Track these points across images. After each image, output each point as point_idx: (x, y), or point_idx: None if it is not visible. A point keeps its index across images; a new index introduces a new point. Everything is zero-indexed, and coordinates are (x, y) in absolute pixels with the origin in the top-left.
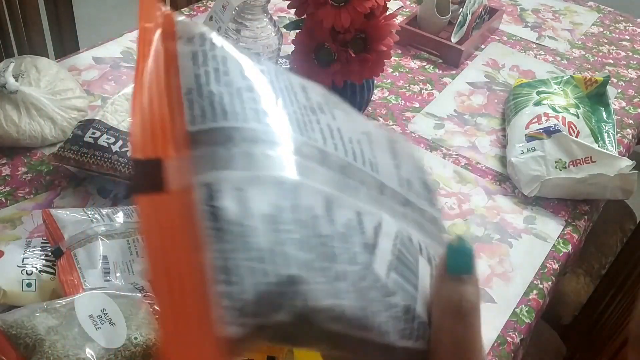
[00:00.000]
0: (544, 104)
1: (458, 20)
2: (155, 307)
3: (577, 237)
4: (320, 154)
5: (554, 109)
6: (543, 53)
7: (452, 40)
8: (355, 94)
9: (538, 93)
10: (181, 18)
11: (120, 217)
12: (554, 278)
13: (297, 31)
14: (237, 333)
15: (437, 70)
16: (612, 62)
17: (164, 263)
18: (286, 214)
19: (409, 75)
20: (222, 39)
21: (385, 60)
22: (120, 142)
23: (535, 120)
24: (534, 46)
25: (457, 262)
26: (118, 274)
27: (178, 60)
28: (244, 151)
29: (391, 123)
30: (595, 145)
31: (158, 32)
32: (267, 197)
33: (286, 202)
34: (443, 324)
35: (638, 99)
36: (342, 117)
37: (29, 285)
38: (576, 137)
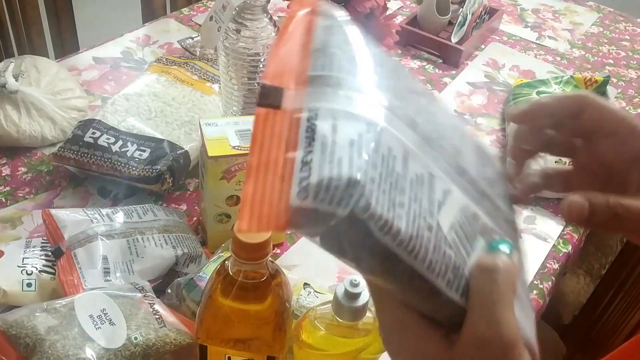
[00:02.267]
0: None
1: (458, 20)
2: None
3: (577, 237)
4: (411, 120)
5: None
6: (543, 53)
7: (452, 40)
8: None
9: (538, 93)
10: (324, 3)
11: (120, 217)
12: (554, 278)
13: None
14: (301, 205)
15: (437, 70)
16: (612, 62)
17: (262, 150)
18: (367, 143)
19: None
20: (352, 25)
21: None
22: (120, 142)
23: None
24: (534, 46)
25: (497, 245)
26: (118, 274)
27: (315, 29)
28: (346, 94)
29: None
30: None
31: (304, 10)
32: (354, 128)
33: (370, 135)
34: (472, 281)
35: (638, 99)
36: (441, 113)
37: (29, 285)
38: None
